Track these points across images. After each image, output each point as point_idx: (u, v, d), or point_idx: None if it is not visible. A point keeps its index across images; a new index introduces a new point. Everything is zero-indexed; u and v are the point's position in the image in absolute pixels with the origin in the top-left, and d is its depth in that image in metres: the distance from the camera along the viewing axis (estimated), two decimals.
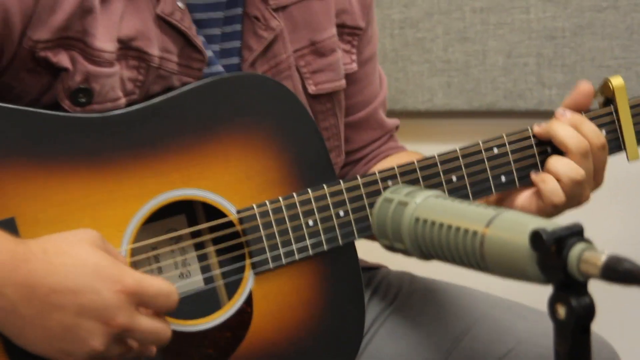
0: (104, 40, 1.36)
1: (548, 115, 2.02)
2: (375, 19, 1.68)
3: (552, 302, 0.99)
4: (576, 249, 0.97)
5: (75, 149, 1.33)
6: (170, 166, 1.37)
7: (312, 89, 1.55)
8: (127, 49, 1.39)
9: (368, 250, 1.61)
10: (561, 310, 0.99)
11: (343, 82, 1.60)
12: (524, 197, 1.51)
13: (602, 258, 0.96)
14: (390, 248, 1.17)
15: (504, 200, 1.54)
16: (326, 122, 1.58)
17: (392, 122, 1.74)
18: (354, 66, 1.63)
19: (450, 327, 1.59)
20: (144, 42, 1.39)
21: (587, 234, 0.99)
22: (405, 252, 1.15)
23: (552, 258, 0.98)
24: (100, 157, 1.34)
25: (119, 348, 1.24)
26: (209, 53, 1.45)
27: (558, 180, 1.47)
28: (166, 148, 1.38)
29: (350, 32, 1.61)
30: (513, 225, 1.03)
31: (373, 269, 1.68)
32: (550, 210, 1.48)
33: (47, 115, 1.33)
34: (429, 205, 1.13)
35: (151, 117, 1.37)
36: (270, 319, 1.41)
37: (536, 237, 0.99)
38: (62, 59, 1.36)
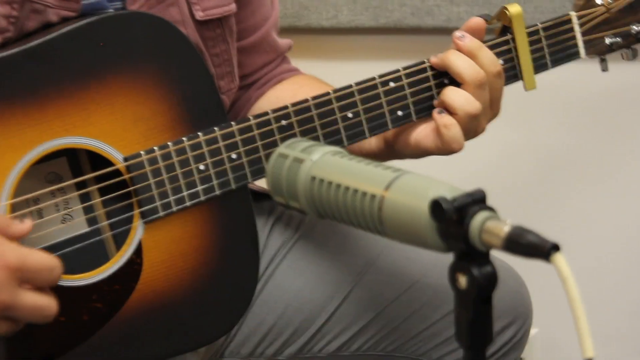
0: None
1: None
2: None
3: (453, 271, 0.96)
4: (478, 219, 0.94)
5: None
6: (52, 114, 1.29)
7: (199, 14, 1.48)
8: None
9: None
10: (462, 280, 0.95)
11: (233, 7, 1.52)
12: (424, 133, 1.46)
13: (505, 229, 0.92)
14: (286, 206, 1.12)
15: (401, 134, 1.49)
16: (216, 49, 1.51)
17: (284, 42, 1.68)
18: None
19: (354, 259, 1.57)
20: None
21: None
22: (301, 211, 1.10)
23: (453, 227, 0.95)
24: None
25: (4, 326, 1.19)
26: None
27: (454, 112, 1.43)
28: (46, 95, 1.29)
29: None
30: (413, 190, 0.99)
31: None
32: (447, 152, 1.44)
33: None
34: (326, 163, 1.07)
35: (28, 62, 1.28)
36: (161, 268, 1.36)
37: (436, 206, 0.95)
38: None
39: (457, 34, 1.45)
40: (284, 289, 1.56)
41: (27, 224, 1.22)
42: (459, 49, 1.45)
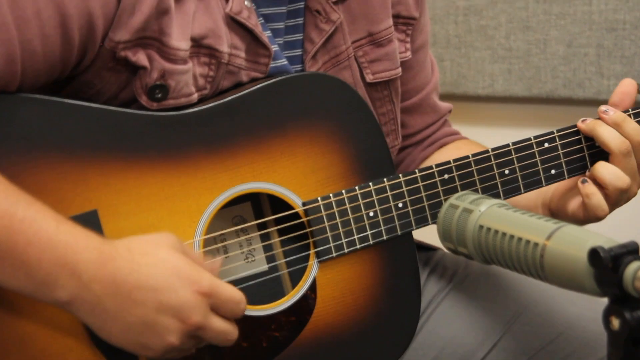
0: (179, 39, 1.43)
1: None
2: (427, 9, 1.76)
3: (607, 314, 1.08)
4: (632, 267, 1.06)
5: (152, 145, 1.42)
6: (241, 160, 1.46)
7: (370, 77, 1.63)
8: (199, 46, 1.46)
9: (426, 233, 1.69)
10: (615, 322, 1.07)
11: (399, 70, 1.67)
12: (577, 205, 1.59)
13: None
14: (454, 251, 1.25)
15: (560, 205, 1.62)
16: (383, 109, 1.66)
17: (445, 106, 1.82)
18: (408, 54, 1.70)
19: (503, 310, 1.67)
20: (215, 40, 1.47)
21: None
22: (468, 256, 1.24)
23: (609, 274, 1.07)
24: (176, 152, 1.43)
25: (191, 343, 1.33)
26: (274, 47, 1.52)
27: (604, 187, 1.55)
28: (237, 143, 1.46)
29: (404, 22, 1.68)
30: (573, 240, 1.11)
31: (431, 249, 1.77)
32: (595, 220, 1.56)
33: (129, 114, 1.42)
34: (493, 214, 1.21)
35: (223, 115, 1.45)
36: (332, 304, 1.50)
37: (594, 255, 1.07)
38: (141, 57, 1.43)
39: (602, 108, 1.58)
40: (437, 335, 1.67)
41: (217, 263, 1.36)
42: (605, 122, 1.57)
